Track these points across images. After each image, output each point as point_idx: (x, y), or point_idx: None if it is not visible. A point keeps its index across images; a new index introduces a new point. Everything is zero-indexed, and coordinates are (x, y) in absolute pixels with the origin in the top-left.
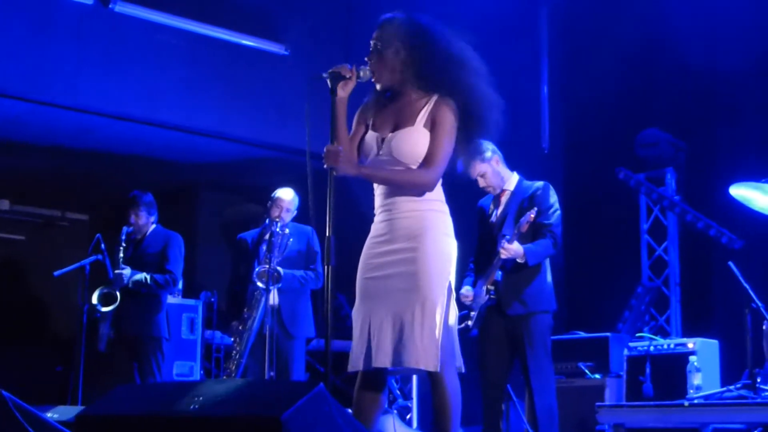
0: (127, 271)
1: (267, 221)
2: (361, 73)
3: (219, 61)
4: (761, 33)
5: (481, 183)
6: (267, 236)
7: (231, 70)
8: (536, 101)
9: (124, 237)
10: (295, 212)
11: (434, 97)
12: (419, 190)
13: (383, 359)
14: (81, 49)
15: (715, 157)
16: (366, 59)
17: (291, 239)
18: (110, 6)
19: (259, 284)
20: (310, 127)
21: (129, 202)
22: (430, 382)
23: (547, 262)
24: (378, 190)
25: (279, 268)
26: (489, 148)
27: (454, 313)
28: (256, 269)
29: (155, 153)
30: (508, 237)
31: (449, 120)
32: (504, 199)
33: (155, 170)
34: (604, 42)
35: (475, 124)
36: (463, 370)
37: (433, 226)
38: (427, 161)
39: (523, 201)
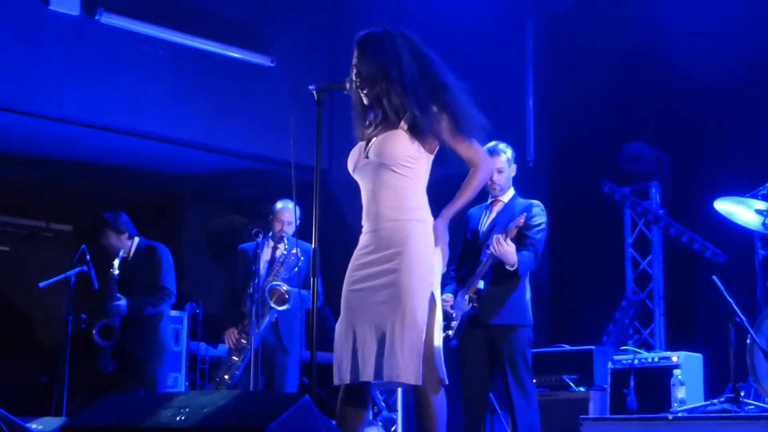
0: (123, 302)
1: (270, 234)
2: (348, 85)
3: (205, 73)
4: (745, 48)
5: (493, 176)
6: (277, 254)
7: (217, 82)
8: (521, 114)
9: (117, 264)
10: (298, 222)
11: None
12: (488, 176)
13: (367, 373)
14: (67, 60)
15: (699, 172)
16: (355, 79)
17: (302, 258)
18: (96, 17)
19: (274, 306)
20: (295, 139)
21: (96, 224)
22: (415, 395)
23: (527, 278)
24: (364, 200)
25: (288, 289)
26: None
27: (438, 324)
28: (271, 285)
29: (140, 164)
30: (500, 235)
31: (444, 124)
32: (496, 209)
33: (140, 181)
34: (590, 56)
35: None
36: (447, 382)
37: (415, 236)
38: (471, 158)
39: (513, 215)
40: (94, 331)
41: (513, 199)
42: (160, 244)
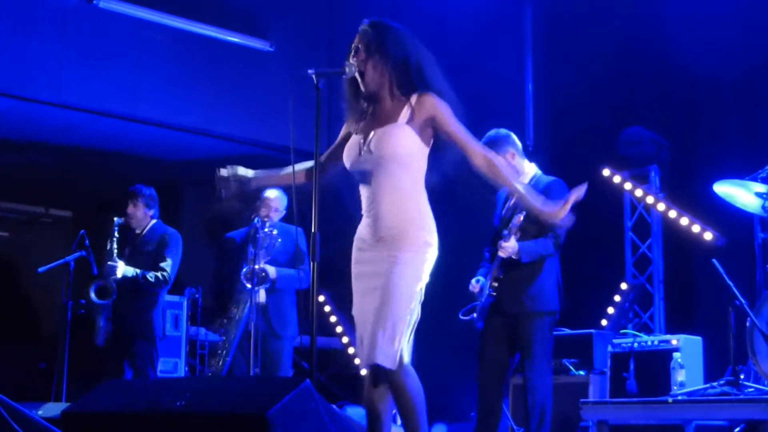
0: (119, 265)
1: (255, 220)
2: (347, 69)
3: (203, 58)
4: (744, 32)
5: None
6: (254, 236)
7: (215, 67)
8: (521, 98)
9: (116, 228)
10: (284, 212)
11: (414, 96)
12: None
13: (365, 357)
14: (65, 45)
15: (698, 155)
16: (352, 59)
17: (279, 240)
18: (94, 2)
19: (248, 285)
20: (294, 124)
21: (129, 193)
22: (390, 383)
23: (553, 262)
24: (363, 197)
25: (269, 267)
26: (508, 141)
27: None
28: (244, 269)
29: (139, 150)
30: (506, 233)
31: (445, 107)
32: None
33: (139, 167)
34: (589, 40)
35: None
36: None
37: (411, 235)
38: (466, 150)
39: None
40: (90, 291)
41: (533, 179)
42: (173, 230)
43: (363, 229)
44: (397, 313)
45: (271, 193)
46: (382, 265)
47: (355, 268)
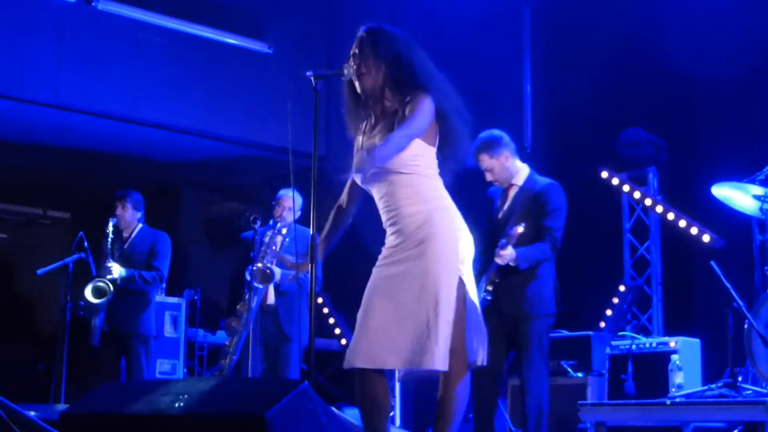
0: (115, 266)
1: (271, 221)
2: (345, 71)
3: (201, 60)
4: (743, 34)
5: (488, 177)
6: (265, 237)
7: (214, 69)
8: (519, 100)
9: (111, 229)
10: (299, 212)
11: (407, 98)
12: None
13: (393, 361)
14: (63, 46)
15: (696, 157)
16: (352, 65)
17: (287, 239)
18: (93, 4)
19: (256, 284)
20: (292, 126)
21: (117, 196)
22: (441, 380)
23: (550, 265)
24: (381, 205)
25: (276, 268)
26: (501, 143)
27: (470, 307)
28: (249, 268)
29: (137, 151)
30: (503, 242)
31: (424, 102)
32: (511, 194)
33: (137, 168)
34: (587, 41)
35: (449, 127)
36: (485, 363)
37: (438, 223)
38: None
39: (528, 200)
40: (86, 291)
41: (528, 180)
42: (161, 232)
43: (388, 239)
44: (443, 308)
45: (286, 194)
46: (414, 258)
47: (381, 271)
